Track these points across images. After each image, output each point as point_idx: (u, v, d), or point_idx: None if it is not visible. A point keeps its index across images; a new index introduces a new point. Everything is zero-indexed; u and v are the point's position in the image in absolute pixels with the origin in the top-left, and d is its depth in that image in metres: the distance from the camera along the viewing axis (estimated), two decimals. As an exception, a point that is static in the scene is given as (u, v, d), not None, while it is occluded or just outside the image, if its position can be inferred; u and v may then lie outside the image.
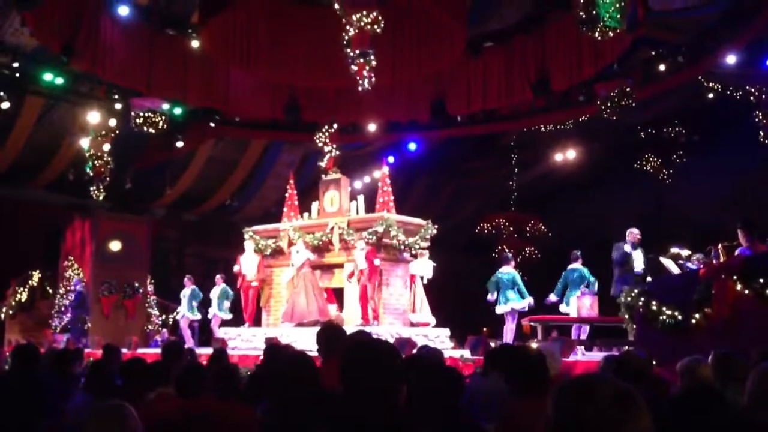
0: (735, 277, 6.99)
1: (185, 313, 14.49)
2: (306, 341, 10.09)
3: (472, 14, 11.90)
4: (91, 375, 4.86)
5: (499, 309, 11.59)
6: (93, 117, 13.28)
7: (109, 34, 11.99)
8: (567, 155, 19.29)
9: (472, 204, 22.11)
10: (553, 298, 11.51)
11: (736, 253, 7.91)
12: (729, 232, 8.26)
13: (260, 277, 13.20)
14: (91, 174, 13.00)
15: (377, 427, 2.13)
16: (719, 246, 8.27)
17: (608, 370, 4.65)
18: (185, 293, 14.59)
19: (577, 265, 11.54)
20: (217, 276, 14.47)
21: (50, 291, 16.40)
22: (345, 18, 9.42)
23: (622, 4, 8.73)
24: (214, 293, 14.27)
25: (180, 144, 15.12)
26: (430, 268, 12.85)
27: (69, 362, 5.67)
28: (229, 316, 14.21)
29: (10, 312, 16.04)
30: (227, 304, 14.24)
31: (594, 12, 8.83)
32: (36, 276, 16.53)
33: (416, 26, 11.93)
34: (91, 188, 13.19)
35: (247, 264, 13.21)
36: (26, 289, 16.30)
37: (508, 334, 11.54)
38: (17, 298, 16.16)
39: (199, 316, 14.60)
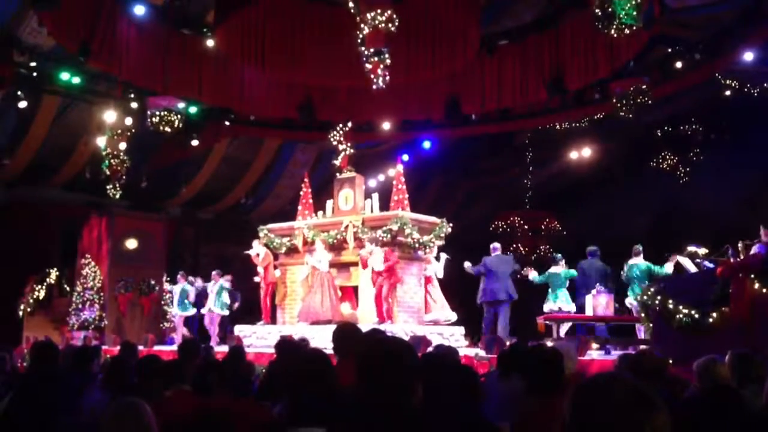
0: (753, 276, 6.93)
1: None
2: (320, 340, 10.10)
3: (486, 12, 11.86)
4: (109, 372, 4.90)
5: (546, 307, 11.82)
6: (109, 116, 13.36)
7: (126, 34, 12.08)
8: (582, 153, 19.18)
9: (486, 202, 22.05)
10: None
11: (754, 249, 7.85)
12: (746, 230, 8.17)
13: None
14: (108, 173, 13.07)
15: (392, 426, 2.13)
16: (739, 244, 8.18)
17: (624, 370, 4.62)
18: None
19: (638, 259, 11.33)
20: (214, 272, 14.51)
21: (67, 289, 16.52)
22: (359, 16, 9.42)
23: (639, 1, 8.65)
24: (213, 289, 14.29)
25: (195, 143, 15.19)
26: (436, 265, 12.88)
27: (87, 359, 5.71)
28: (224, 313, 14.31)
29: (29, 309, 16.18)
30: (224, 300, 14.27)
31: (610, 9, 8.76)
32: (53, 274, 16.66)
33: (431, 24, 11.89)
34: (108, 187, 13.26)
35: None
36: (44, 287, 16.43)
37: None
38: (35, 296, 16.30)
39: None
